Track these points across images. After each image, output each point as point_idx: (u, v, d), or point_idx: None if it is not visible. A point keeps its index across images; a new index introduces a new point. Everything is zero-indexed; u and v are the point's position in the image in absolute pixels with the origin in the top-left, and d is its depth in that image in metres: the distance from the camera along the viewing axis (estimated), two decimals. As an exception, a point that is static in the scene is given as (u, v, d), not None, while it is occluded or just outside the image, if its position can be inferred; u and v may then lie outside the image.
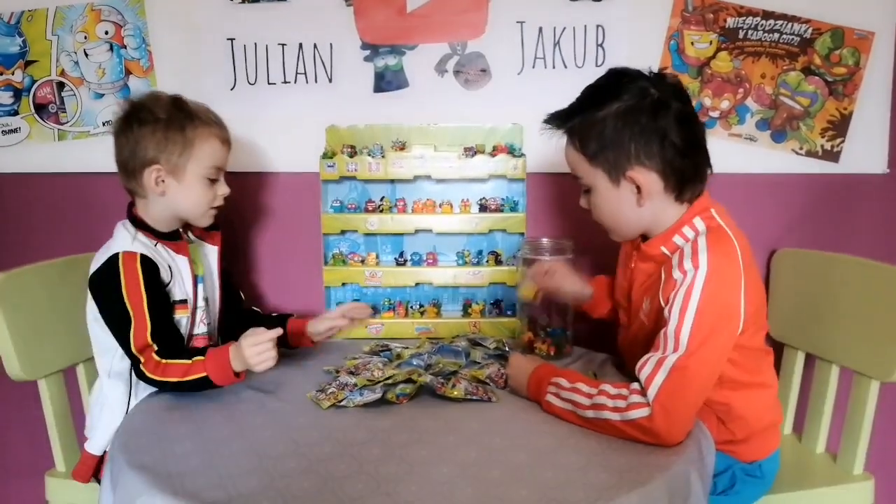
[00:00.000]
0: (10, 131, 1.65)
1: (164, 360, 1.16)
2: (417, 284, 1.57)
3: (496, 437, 1.01)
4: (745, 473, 1.19)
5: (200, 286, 1.32)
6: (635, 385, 1.00)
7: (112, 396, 1.26)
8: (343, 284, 1.58)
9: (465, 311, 1.58)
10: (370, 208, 1.56)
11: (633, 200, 1.10)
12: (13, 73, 1.63)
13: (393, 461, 0.94)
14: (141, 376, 1.17)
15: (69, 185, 1.66)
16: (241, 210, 1.64)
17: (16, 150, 1.65)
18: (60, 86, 1.63)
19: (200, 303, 1.32)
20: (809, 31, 1.53)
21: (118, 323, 1.19)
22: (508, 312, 1.57)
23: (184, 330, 1.27)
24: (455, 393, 1.14)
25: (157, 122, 1.24)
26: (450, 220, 1.55)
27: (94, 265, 1.23)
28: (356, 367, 1.25)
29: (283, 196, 1.63)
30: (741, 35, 1.54)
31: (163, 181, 1.25)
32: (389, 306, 1.58)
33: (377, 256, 1.59)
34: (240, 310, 1.45)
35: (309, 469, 0.92)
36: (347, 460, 0.94)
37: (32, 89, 1.63)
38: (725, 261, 1.03)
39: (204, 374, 1.15)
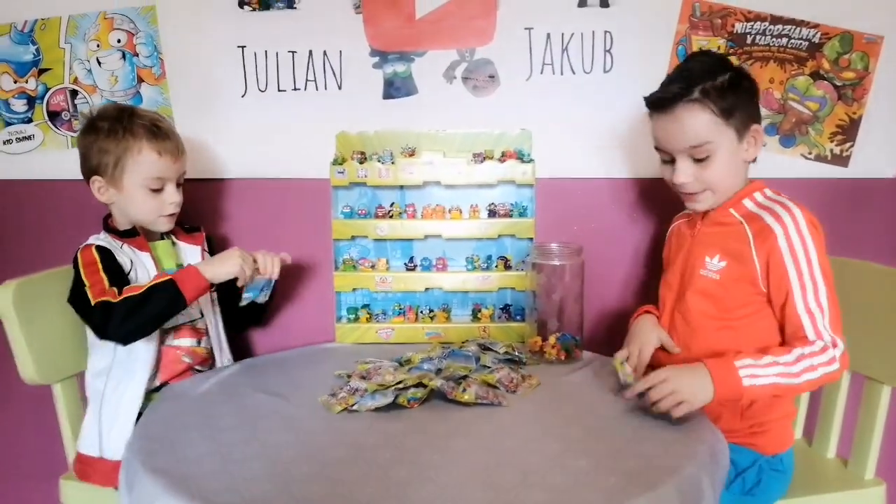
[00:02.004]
0: (24, 138, 1.67)
1: (122, 294, 1.21)
2: (427, 289, 1.58)
3: (507, 441, 1.01)
4: (770, 467, 1.22)
5: None
6: (819, 343, 1.12)
7: (92, 393, 1.32)
8: (353, 290, 1.59)
9: (475, 315, 1.58)
10: (380, 214, 1.57)
11: (745, 156, 1.24)
12: (27, 81, 1.65)
13: (404, 465, 0.94)
14: (103, 315, 1.19)
15: (82, 192, 1.67)
16: (252, 216, 1.65)
17: (30, 156, 1.67)
18: (74, 93, 1.65)
19: None
20: (818, 35, 1.54)
21: (79, 296, 1.23)
22: (518, 317, 1.57)
23: None
24: (466, 397, 1.14)
25: (97, 133, 1.32)
26: (459, 226, 1.56)
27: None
28: (367, 372, 1.26)
29: (293, 202, 1.65)
30: (749, 40, 1.54)
31: (106, 191, 1.32)
32: (399, 311, 1.59)
33: (387, 262, 1.60)
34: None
35: (321, 473, 0.92)
36: (359, 464, 0.95)
37: (46, 97, 1.65)
38: (812, 214, 1.18)
39: (168, 278, 1.20)
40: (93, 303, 1.20)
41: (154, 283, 1.22)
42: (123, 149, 1.30)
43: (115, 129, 1.30)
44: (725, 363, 1.09)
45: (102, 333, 1.22)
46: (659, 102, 1.23)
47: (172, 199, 1.35)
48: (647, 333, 1.29)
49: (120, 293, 1.21)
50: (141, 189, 1.32)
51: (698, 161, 1.22)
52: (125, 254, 1.32)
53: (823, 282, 1.15)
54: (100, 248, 1.29)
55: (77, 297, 1.25)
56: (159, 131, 1.33)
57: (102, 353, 1.31)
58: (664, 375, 1.08)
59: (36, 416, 1.72)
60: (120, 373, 1.29)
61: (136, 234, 1.36)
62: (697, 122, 1.19)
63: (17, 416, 1.77)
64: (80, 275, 1.25)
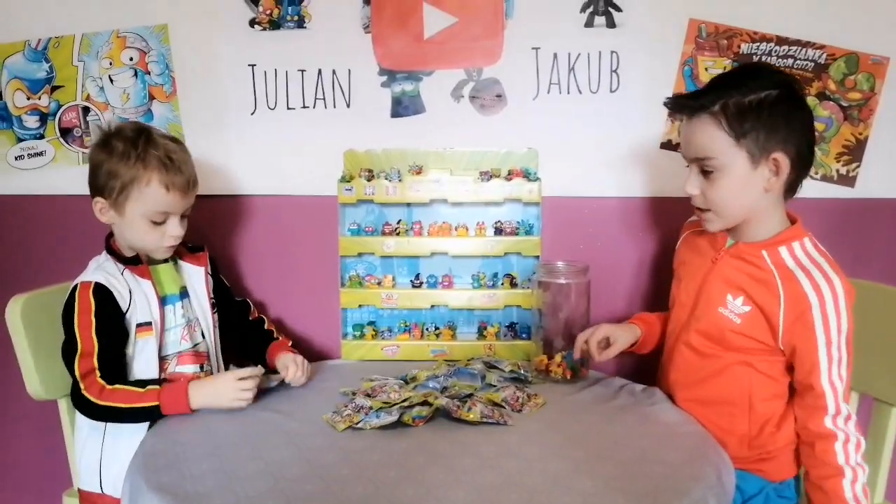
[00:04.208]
0: (36, 154, 1.69)
1: (109, 386, 1.17)
2: (433, 307, 1.58)
3: (512, 461, 1.01)
4: (778, 494, 1.21)
5: (170, 306, 1.35)
6: (841, 435, 1.11)
7: (88, 429, 1.28)
8: (359, 306, 1.59)
9: (481, 333, 1.58)
10: (387, 231, 1.58)
11: (762, 185, 1.15)
12: (40, 98, 1.67)
13: (410, 484, 0.94)
14: (80, 402, 1.18)
15: (91, 207, 1.69)
16: (260, 232, 1.66)
17: (41, 172, 1.69)
18: (86, 110, 1.66)
19: (177, 321, 1.35)
20: (824, 56, 1.54)
21: (67, 350, 1.21)
22: (523, 335, 1.57)
23: (149, 352, 1.28)
24: (471, 416, 1.14)
25: (110, 153, 1.26)
26: (465, 243, 1.56)
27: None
28: (372, 390, 1.26)
29: (301, 219, 1.65)
30: (755, 61, 1.55)
31: (107, 212, 1.28)
32: (405, 328, 1.59)
33: (393, 279, 1.60)
34: (247, 322, 1.49)
35: (326, 491, 0.92)
36: (364, 483, 0.94)
37: (58, 114, 1.67)
38: (850, 284, 1.13)
39: (155, 404, 1.17)
40: (76, 373, 1.18)
41: (140, 405, 1.17)
42: (132, 177, 1.25)
43: (127, 153, 1.25)
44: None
45: (79, 412, 1.21)
46: (675, 107, 1.21)
47: (174, 232, 1.30)
48: (616, 330, 1.34)
49: (111, 374, 1.19)
50: (142, 220, 1.27)
51: (706, 174, 1.17)
52: (125, 282, 1.28)
53: (847, 353, 1.12)
54: (97, 291, 1.23)
55: (66, 345, 1.23)
56: (171, 164, 1.27)
57: None
58: None
59: (40, 431, 1.72)
60: None
61: (138, 262, 1.31)
62: (706, 134, 1.15)
63: (22, 430, 1.77)
64: (72, 324, 1.21)
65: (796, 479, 1.23)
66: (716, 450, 1.07)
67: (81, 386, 1.18)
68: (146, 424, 1.22)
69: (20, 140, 1.68)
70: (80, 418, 1.29)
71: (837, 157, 1.57)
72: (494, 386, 1.29)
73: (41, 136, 1.68)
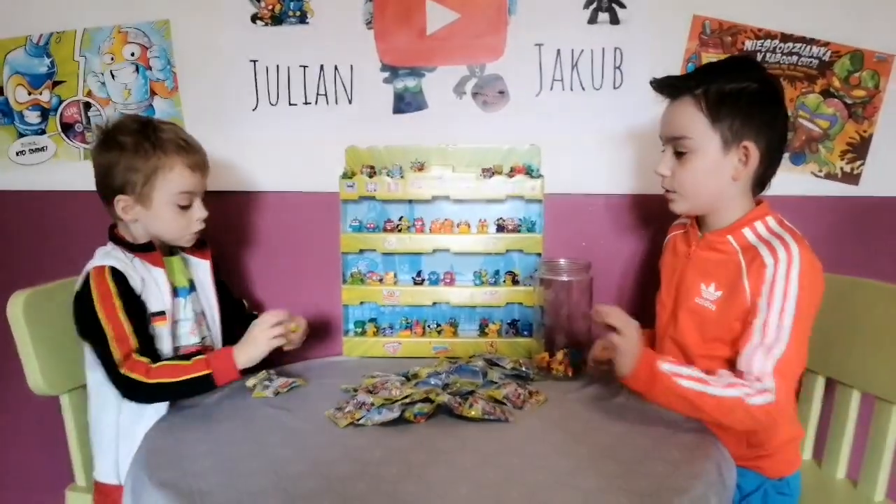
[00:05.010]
0: (38, 150, 1.69)
1: (155, 364, 1.16)
2: (435, 304, 1.58)
3: (514, 458, 1.01)
4: (776, 491, 1.21)
5: (182, 299, 1.34)
6: (749, 376, 1.09)
7: (105, 422, 1.27)
8: (361, 303, 1.59)
9: (482, 330, 1.58)
10: (389, 228, 1.58)
11: (731, 172, 1.18)
12: (41, 93, 1.67)
13: (411, 481, 0.94)
14: (126, 385, 1.16)
15: (93, 203, 1.68)
16: (262, 228, 1.66)
17: (42, 167, 1.69)
18: (87, 106, 1.66)
19: (186, 315, 1.34)
20: (828, 53, 1.54)
21: (97, 338, 1.19)
22: (525, 332, 1.56)
23: (166, 343, 1.27)
24: (473, 413, 1.14)
25: (122, 150, 1.25)
26: (467, 240, 1.56)
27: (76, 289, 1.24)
28: (374, 386, 1.26)
29: (302, 215, 1.65)
30: (759, 57, 1.54)
31: (132, 209, 1.27)
32: (407, 325, 1.59)
33: (395, 275, 1.60)
34: (243, 316, 1.48)
35: (328, 488, 0.92)
36: (366, 479, 0.94)
37: (59, 109, 1.67)
38: (813, 256, 1.14)
39: (208, 372, 1.15)
40: (120, 370, 1.16)
41: (192, 376, 1.17)
42: (153, 167, 1.24)
43: (140, 145, 1.24)
44: (651, 351, 1.13)
45: (124, 396, 1.19)
46: (660, 87, 1.23)
47: (200, 215, 1.31)
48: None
49: (148, 354, 1.17)
50: (170, 207, 1.27)
51: (679, 156, 1.20)
52: (136, 270, 1.26)
53: (790, 333, 1.09)
54: (114, 272, 1.22)
55: (93, 334, 1.19)
56: (188, 145, 1.28)
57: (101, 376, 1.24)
58: (635, 323, 1.12)
59: (42, 426, 1.72)
60: (136, 406, 1.23)
61: (151, 249, 1.29)
62: (686, 114, 1.18)
63: (24, 426, 1.77)
64: (95, 312, 1.18)
65: (795, 476, 1.23)
66: (717, 447, 1.07)
67: (123, 369, 1.15)
68: (161, 413, 1.21)
69: (21, 135, 1.68)
70: (92, 409, 1.29)
71: (842, 154, 1.57)
72: (496, 383, 1.29)
73: (42, 132, 1.68)
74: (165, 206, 1.27)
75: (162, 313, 1.28)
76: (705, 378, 1.09)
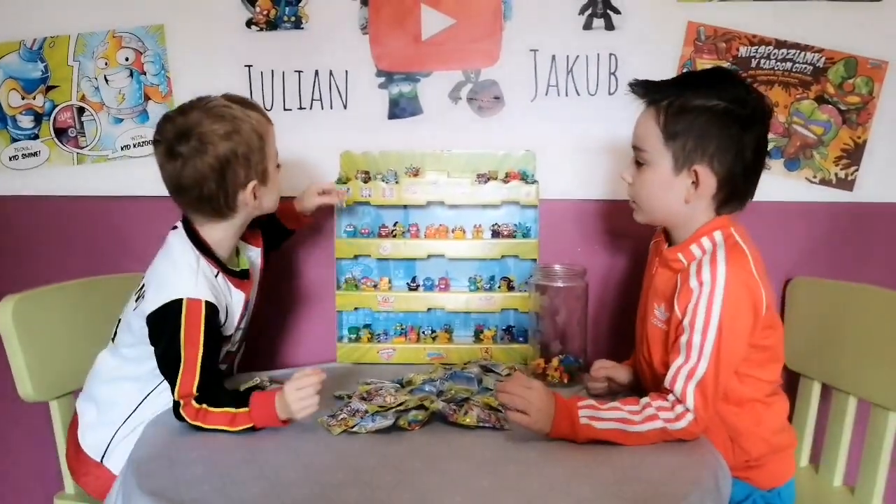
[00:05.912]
0: (30, 154, 1.68)
1: (204, 407, 1.13)
2: (429, 310, 1.57)
3: (509, 466, 1.00)
4: (766, 502, 1.18)
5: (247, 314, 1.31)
6: (671, 396, 1.08)
7: (116, 395, 1.25)
8: (355, 309, 1.58)
9: (477, 336, 1.57)
10: (383, 233, 1.57)
11: (683, 194, 1.13)
12: (34, 98, 1.66)
13: (405, 488, 0.93)
14: (177, 415, 1.14)
15: (86, 209, 1.68)
16: (255, 234, 1.65)
17: (35, 172, 1.68)
18: (80, 110, 1.65)
19: (243, 324, 1.32)
20: (822, 60, 1.54)
21: (169, 364, 1.16)
22: (520, 339, 1.56)
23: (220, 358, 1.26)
24: (467, 420, 1.13)
25: (227, 138, 1.16)
26: (462, 246, 1.55)
27: (156, 292, 1.17)
28: (368, 393, 1.25)
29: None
30: (754, 64, 1.55)
31: (259, 190, 1.22)
32: (401, 331, 1.58)
33: (390, 281, 1.59)
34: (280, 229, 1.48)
35: (321, 495, 0.91)
36: (360, 487, 0.93)
37: (53, 114, 1.66)
38: (743, 273, 1.08)
39: (250, 426, 1.12)
40: (175, 392, 1.13)
41: (237, 428, 1.11)
42: (260, 134, 1.19)
43: (234, 122, 1.17)
44: (570, 401, 1.08)
45: (174, 415, 1.15)
46: (633, 90, 1.17)
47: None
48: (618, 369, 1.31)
49: (210, 388, 1.13)
50: (276, 171, 1.24)
51: (639, 165, 1.17)
52: (220, 292, 1.20)
53: (711, 354, 1.06)
54: (209, 311, 1.15)
55: (166, 358, 1.15)
56: (250, 103, 1.24)
57: (143, 360, 1.21)
58: (536, 387, 1.08)
59: (31, 433, 1.71)
60: (167, 395, 1.18)
61: (245, 277, 1.26)
62: (646, 126, 1.14)
63: (12, 433, 1.76)
64: (179, 333, 1.13)
65: (787, 486, 1.21)
66: (713, 454, 1.06)
67: (181, 403, 1.13)
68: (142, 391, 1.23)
69: (14, 140, 1.67)
70: (105, 385, 1.27)
71: (836, 160, 1.57)
72: (491, 390, 1.28)
73: (35, 137, 1.67)
74: (274, 174, 1.24)
75: (228, 338, 1.27)
76: (626, 417, 1.06)
